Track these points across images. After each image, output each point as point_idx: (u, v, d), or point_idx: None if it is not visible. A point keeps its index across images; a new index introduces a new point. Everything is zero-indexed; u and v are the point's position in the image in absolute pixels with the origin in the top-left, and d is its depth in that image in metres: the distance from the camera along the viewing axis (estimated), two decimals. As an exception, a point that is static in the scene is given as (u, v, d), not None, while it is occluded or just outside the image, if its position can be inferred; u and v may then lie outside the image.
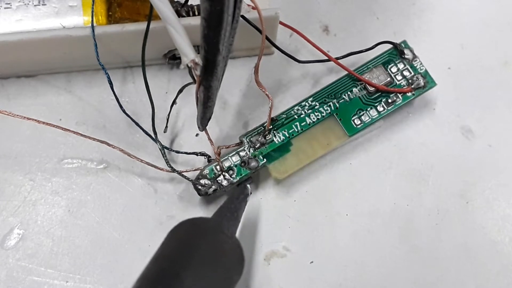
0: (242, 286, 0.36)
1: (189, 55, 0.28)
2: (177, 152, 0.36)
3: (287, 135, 0.36)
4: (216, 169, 0.35)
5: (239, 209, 0.33)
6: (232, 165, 0.35)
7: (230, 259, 0.29)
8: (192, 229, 0.29)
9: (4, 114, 0.34)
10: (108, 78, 0.33)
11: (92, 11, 0.33)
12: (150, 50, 0.34)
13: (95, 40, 0.33)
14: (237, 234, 0.36)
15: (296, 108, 0.36)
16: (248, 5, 0.34)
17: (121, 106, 0.34)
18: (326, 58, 0.36)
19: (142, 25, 0.32)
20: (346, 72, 0.37)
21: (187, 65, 0.28)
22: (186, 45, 0.28)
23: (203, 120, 0.33)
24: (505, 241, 0.37)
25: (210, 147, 0.36)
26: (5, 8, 0.35)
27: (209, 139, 0.34)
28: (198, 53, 0.28)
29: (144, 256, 0.35)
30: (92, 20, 0.33)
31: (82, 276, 0.36)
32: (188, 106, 0.39)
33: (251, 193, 0.36)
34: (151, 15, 0.31)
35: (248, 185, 0.35)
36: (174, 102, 0.35)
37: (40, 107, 0.38)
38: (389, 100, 0.36)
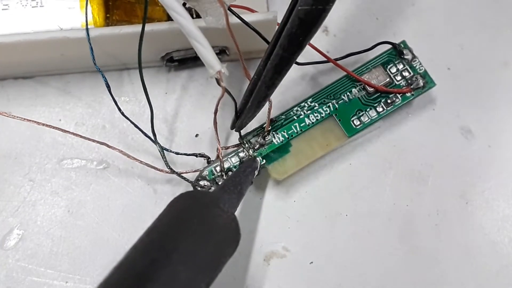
0: (241, 286, 0.35)
1: (215, 66, 0.29)
2: (177, 153, 0.35)
3: (287, 136, 0.35)
4: (216, 170, 0.35)
5: (243, 183, 0.32)
6: (231, 166, 0.35)
7: (223, 233, 0.28)
8: (188, 203, 0.29)
9: (4, 115, 0.34)
10: (106, 81, 0.33)
11: (86, 14, 0.33)
12: (148, 52, 0.34)
13: (90, 44, 0.32)
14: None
15: (295, 109, 0.36)
16: (237, 6, 0.34)
17: (119, 109, 0.34)
18: (324, 59, 0.36)
19: (140, 28, 0.31)
20: (345, 73, 0.36)
21: (214, 77, 0.29)
22: (212, 57, 0.29)
23: (247, 120, 0.33)
24: (505, 241, 0.37)
25: (209, 148, 0.35)
26: (2, 9, 0.34)
27: (217, 139, 0.34)
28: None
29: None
30: (87, 24, 0.33)
31: (82, 276, 0.35)
32: (188, 107, 0.38)
33: (261, 167, 0.35)
34: (145, 17, 0.31)
35: (258, 158, 0.35)
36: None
37: (39, 107, 0.38)
38: (388, 101, 0.36)
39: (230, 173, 0.34)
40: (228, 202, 0.29)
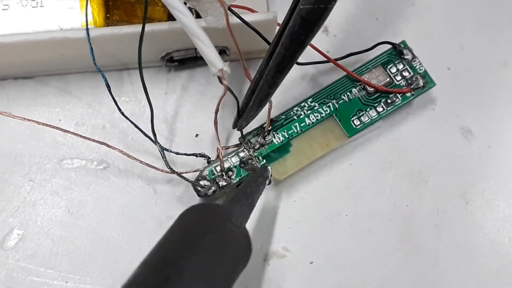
0: (241, 286, 0.35)
1: (217, 65, 0.29)
2: (177, 153, 0.35)
3: (287, 136, 0.35)
4: (216, 170, 0.35)
5: (255, 193, 0.31)
6: (231, 166, 0.35)
7: (235, 249, 0.28)
8: (200, 216, 0.29)
9: (4, 115, 0.34)
10: (106, 82, 0.33)
11: (86, 14, 0.33)
12: (148, 52, 0.34)
13: (90, 44, 0.32)
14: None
15: (295, 108, 0.36)
16: (237, 6, 0.35)
17: (119, 109, 0.34)
18: (325, 59, 0.36)
19: (140, 28, 0.31)
20: (345, 73, 0.36)
21: (216, 75, 0.29)
22: (214, 55, 0.29)
23: (249, 119, 0.33)
24: (505, 241, 0.37)
25: (209, 148, 0.35)
26: (2, 9, 0.35)
27: (217, 138, 0.34)
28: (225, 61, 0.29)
29: (143, 257, 0.35)
30: (87, 24, 0.33)
31: (82, 276, 0.35)
32: (188, 107, 0.39)
33: (271, 176, 0.35)
34: (145, 17, 0.31)
35: (269, 167, 0.34)
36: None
37: (40, 107, 0.38)
38: (389, 101, 0.36)
39: (230, 173, 0.34)
40: (240, 215, 0.29)
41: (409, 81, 0.37)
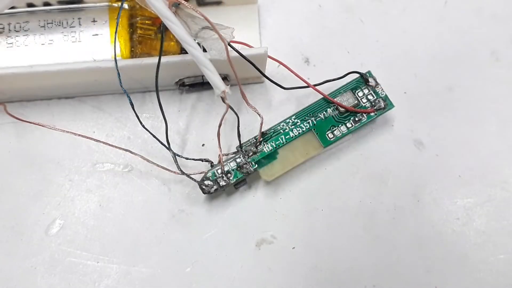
0: (237, 266, 0.36)
1: (220, 87, 0.30)
2: (186, 158, 0.36)
3: (274, 146, 0.36)
4: (217, 172, 0.35)
5: None
6: (230, 169, 0.35)
7: None
8: None
9: (49, 128, 0.35)
10: (130, 101, 0.33)
11: (115, 48, 0.33)
12: (164, 78, 0.35)
13: (118, 72, 0.33)
14: (230, 226, 0.36)
15: (282, 124, 0.36)
16: (237, 41, 0.35)
17: (141, 123, 0.34)
18: (305, 85, 0.36)
19: (157, 59, 0.32)
20: (322, 96, 0.36)
21: (220, 96, 0.30)
22: (217, 80, 0.30)
23: None
24: (448, 232, 0.37)
25: (213, 155, 0.36)
26: (48, 43, 0.35)
27: (219, 147, 0.34)
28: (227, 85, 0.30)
29: (159, 242, 0.36)
30: (115, 56, 0.33)
31: (110, 257, 0.36)
32: (196, 122, 0.39)
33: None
34: (161, 51, 0.31)
35: None
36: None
37: (78, 122, 0.38)
38: (356, 119, 0.36)
39: (229, 175, 0.35)
40: None
41: (373, 103, 0.37)
